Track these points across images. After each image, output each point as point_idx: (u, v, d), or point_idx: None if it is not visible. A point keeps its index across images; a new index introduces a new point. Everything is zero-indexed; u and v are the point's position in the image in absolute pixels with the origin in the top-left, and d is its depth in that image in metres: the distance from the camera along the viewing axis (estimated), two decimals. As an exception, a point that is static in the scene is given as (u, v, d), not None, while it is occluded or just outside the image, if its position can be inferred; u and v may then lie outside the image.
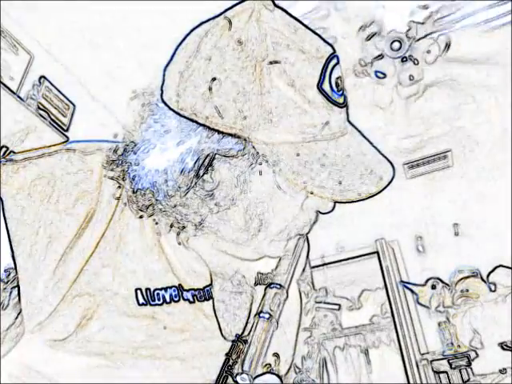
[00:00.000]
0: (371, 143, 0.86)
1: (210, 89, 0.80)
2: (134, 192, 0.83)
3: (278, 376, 0.83)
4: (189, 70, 0.82)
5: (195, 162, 0.80)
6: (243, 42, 0.81)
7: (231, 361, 0.81)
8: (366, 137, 0.86)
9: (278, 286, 0.88)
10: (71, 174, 0.85)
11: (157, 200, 0.83)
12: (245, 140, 0.81)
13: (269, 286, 0.89)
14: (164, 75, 0.85)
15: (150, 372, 0.84)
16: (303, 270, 1.00)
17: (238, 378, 0.81)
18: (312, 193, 0.81)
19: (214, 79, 0.80)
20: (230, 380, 0.82)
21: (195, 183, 0.80)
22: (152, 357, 0.83)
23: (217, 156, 0.80)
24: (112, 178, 0.86)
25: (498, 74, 1.51)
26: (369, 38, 1.56)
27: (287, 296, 0.90)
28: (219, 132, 0.80)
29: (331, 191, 0.80)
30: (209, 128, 0.80)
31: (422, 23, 1.54)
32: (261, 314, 0.85)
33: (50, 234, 0.82)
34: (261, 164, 0.82)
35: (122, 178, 0.86)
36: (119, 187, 0.87)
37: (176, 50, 0.86)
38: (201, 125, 0.80)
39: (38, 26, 1.61)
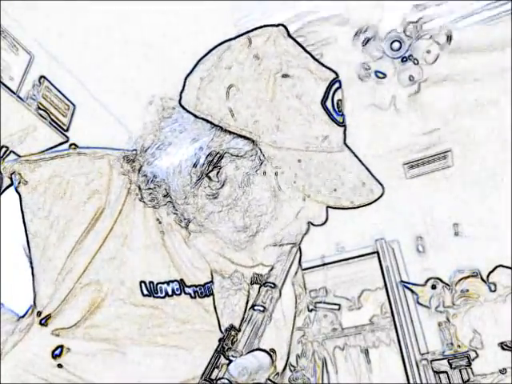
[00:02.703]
0: (364, 164, 0.93)
1: (228, 94, 0.89)
2: (147, 184, 0.90)
3: (268, 354, 0.87)
4: (209, 76, 0.91)
5: (206, 157, 0.88)
6: (260, 57, 0.92)
7: (225, 347, 0.86)
8: (359, 158, 0.93)
9: (272, 285, 0.93)
10: (82, 175, 0.93)
11: (168, 193, 0.90)
12: (253, 142, 0.88)
13: (263, 284, 0.94)
14: (184, 83, 0.94)
15: (151, 358, 0.90)
16: (295, 273, 1.04)
17: (230, 355, 0.85)
18: (309, 196, 0.88)
19: (231, 86, 0.89)
20: (222, 360, 0.86)
21: (205, 176, 0.87)
22: (155, 344, 0.90)
23: (226, 154, 0.88)
24: (127, 172, 0.93)
25: (498, 61, 1.50)
26: (364, 43, 1.57)
27: (280, 295, 0.94)
28: (231, 133, 0.87)
29: (326, 197, 0.88)
30: (221, 128, 0.87)
31: (419, 21, 1.54)
32: (255, 307, 0.90)
33: (63, 228, 0.90)
34: (265, 165, 0.88)
35: (137, 171, 0.92)
36: (130, 182, 0.93)
37: (197, 63, 0.95)
38: (215, 125, 0.87)
39: (38, 26, 1.61)
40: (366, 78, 1.58)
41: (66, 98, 1.67)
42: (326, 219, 0.94)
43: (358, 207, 0.92)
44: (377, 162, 1.70)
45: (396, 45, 1.57)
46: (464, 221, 1.66)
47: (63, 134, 1.64)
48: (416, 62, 1.58)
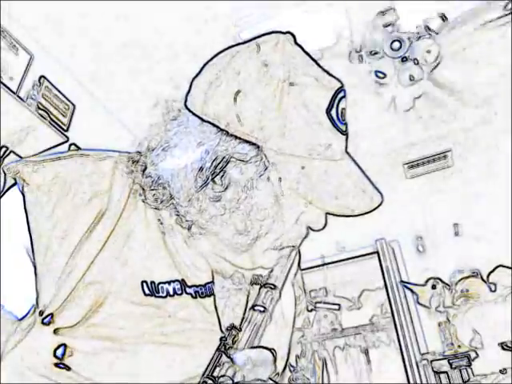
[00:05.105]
0: (364, 172, 0.94)
1: (235, 99, 0.91)
2: (151, 185, 0.90)
3: (270, 351, 0.88)
4: (218, 80, 0.92)
5: (213, 162, 0.89)
6: (268, 64, 0.93)
7: (227, 346, 0.87)
8: (360, 166, 0.94)
9: (272, 286, 0.94)
10: (85, 176, 0.94)
11: (172, 195, 0.91)
12: (258, 148, 0.89)
13: (263, 285, 0.95)
14: (191, 85, 0.94)
15: (153, 357, 0.90)
16: (295, 274, 1.05)
17: (232, 354, 0.86)
18: (311, 202, 0.89)
19: (239, 91, 0.91)
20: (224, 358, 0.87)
21: (210, 180, 0.88)
22: (156, 343, 0.91)
23: (232, 159, 0.89)
24: (131, 172, 0.93)
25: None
26: (360, 61, 1.57)
27: (280, 296, 0.95)
28: (236, 137, 0.88)
29: (327, 204, 0.89)
30: (227, 133, 0.89)
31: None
32: (255, 307, 0.91)
33: (66, 228, 0.90)
34: (270, 171, 0.90)
35: (141, 172, 0.93)
36: (134, 183, 0.94)
37: (204, 66, 0.95)
38: (221, 129, 0.89)
39: (38, 26, 1.61)
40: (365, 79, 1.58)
41: (66, 98, 1.67)
42: (325, 225, 0.95)
43: (358, 215, 0.93)
44: (377, 162, 1.70)
45: (396, 45, 1.57)
46: (464, 221, 1.67)
47: (63, 134, 1.64)
48: (416, 61, 1.58)
